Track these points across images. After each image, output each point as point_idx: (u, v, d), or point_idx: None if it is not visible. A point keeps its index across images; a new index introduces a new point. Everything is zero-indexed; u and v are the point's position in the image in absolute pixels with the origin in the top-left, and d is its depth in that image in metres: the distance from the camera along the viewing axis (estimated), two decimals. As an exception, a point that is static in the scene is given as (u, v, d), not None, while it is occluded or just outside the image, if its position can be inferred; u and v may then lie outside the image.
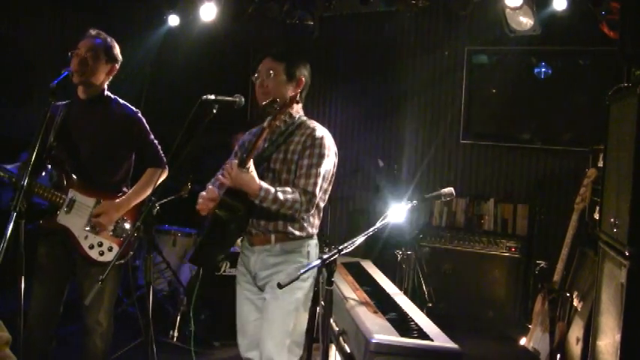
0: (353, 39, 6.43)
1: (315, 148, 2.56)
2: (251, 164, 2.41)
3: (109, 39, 3.01)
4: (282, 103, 2.49)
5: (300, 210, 2.49)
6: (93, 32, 2.99)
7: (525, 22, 4.88)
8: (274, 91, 2.60)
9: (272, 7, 5.43)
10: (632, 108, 2.85)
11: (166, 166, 3.07)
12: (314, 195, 2.50)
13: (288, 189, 2.48)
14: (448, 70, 6.05)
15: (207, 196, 2.55)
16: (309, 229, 2.63)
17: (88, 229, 2.92)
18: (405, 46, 6.25)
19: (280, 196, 2.43)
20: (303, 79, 2.68)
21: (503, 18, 4.87)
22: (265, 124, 2.45)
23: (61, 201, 2.89)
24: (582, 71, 5.56)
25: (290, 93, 2.63)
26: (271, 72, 2.61)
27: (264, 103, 2.58)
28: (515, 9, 4.77)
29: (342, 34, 6.43)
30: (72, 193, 2.92)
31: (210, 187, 2.66)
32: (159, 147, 3.13)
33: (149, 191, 2.97)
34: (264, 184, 2.43)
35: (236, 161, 2.42)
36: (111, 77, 3.04)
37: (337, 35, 6.44)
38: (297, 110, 2.70)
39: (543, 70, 5.67)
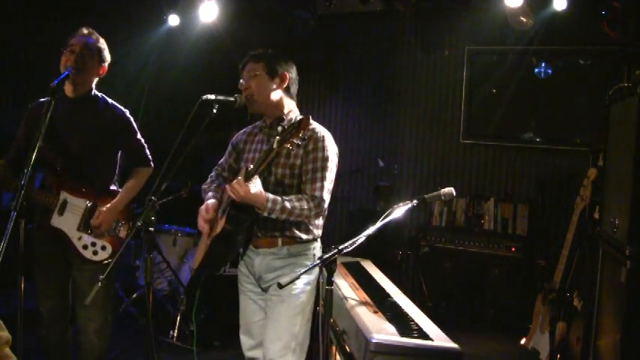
0: (353, 38, 6.43)
1: (318, 152, 2.53)
2: (257, 177, 2.38)
3: (101, 39, 3.00)
4: (293, 124, 2.30)
5: (310, 216, 2.50)
6: (85, 31, 2.96)
7: (525, 21, 4.89)
8: (258, 91, 2.57)
9: (272, 7, 5.44)
10: (633, 108, 2.85)
11: (151, 165, 3.11)
12: (322, 199, 2.50)
13: (294, 197, 2.48)
14: (448, 69, 6.05)
15: (206, 217, 2.58)
16: (315, 231, 2.63)
17: (81, 229, 2.92)
18: (404, 46, 6.25)
19: (288, 205, 2.42)
20: (287, 74, 2.63)
21: (504, 18, 4.88)
22: (275, 145, 2.30)
23: (53, 203, 2.89)
24: (582, 71, 5.56)
25: (275, 90, 2.60)
26: (252, 73, 2.59)
27: (253, 110, 2.59)
28: (515, 9, 4.77)
29: (342, 33, 6.44)
30: (64, 195, 2.91)
31: (208, 203, 2.63)
32: (145, 146, 3.14)
33: (137, 191, 3.04)
34: (271, 196, 2.42)
35: (241, 178, 2.37)
36: (98, 78, 3.03)
37: (337, 35, 6.44)
38: (292, 110, 2.67)
39: (543, 69, 5.68)
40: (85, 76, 2.92)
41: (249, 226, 2.53)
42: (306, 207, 2.46)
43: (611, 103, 3.30)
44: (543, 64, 5.67)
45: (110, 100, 3.07)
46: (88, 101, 2.98)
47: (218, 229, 2.49)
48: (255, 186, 2.37)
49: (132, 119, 3.08)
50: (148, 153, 3.14)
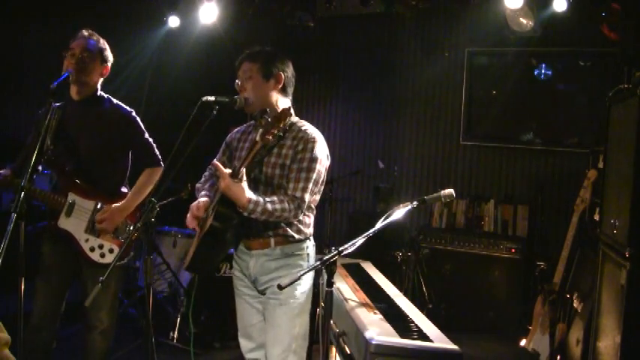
0: (353, 40, 6.44)
1: (307, 153, 2.52)
2: (243, 175, 2.37)
3: (101, 40, 3.02)
4: (274, 115, 2.35)
5: (289, 217, 2.48)
6: (86, 33, 2.98)
7: (525, 23, 4.89)
8: (253, 92, 2.57)
9: (272, 8, 5.44)
10: (633, 109, 2.86)
11: (162, 164, 3.08)
12: (302, 200, 2.48)
13: (276, 198, 2.45)
14: (448, 71, 6.05)
15: (195, 214, 2.55)
16: (306, 231, 2.63)
17: (88, 232, 2.93)
18: (405, 48, 6.25)
19: (269, 207, 2.40)
20: (282, 74, 2.63)
21: (504, 19, 4.88)
22: (257, 137, 2.33)
23: (61, 204, 2.90)
24: (582, 72, 5.56)
25: (270, 91, 2.60)
26: (248, 74, 2.59)
27: (250, 110, 2.58)
28: (515, 10, 4.77)
29: (342, 34, 6.44)
30: (71, 197, 2.92)
31: (200, 201, 2.61)
32: (154, 145, 3.13)
33: (148, 192, 2.99)
34: (254, 196, 2.39)
35: (228, 171, 2.37)
36: (103, 78, 3.04)
37: (337, 36, 6.45)
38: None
39: (543, 71, 5.68)
40: (88, 77, 2.93)
41: (237, 223, 2.49)
42: (286, 209, 2.44)
43: (611, 105, 3.30)
44: (543, 66, 5.67)
45: (115, 101, 3.08)
46: (93, 103, 3.00)
47: (206, 226, 2.48)
48: (240, 184, 2.35)
49: (138, 119, 3.08)
50: (157, 152, 3.12)
